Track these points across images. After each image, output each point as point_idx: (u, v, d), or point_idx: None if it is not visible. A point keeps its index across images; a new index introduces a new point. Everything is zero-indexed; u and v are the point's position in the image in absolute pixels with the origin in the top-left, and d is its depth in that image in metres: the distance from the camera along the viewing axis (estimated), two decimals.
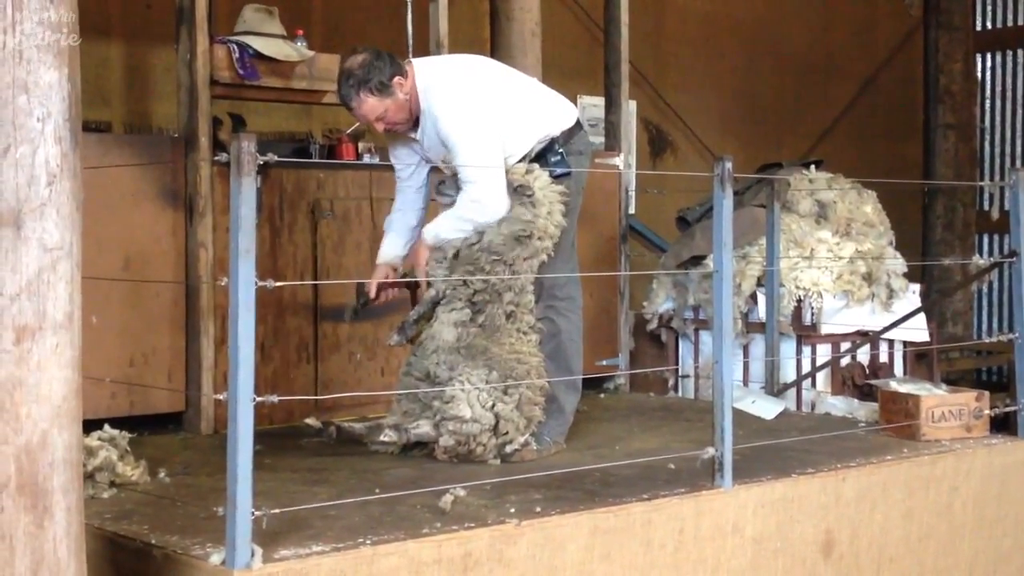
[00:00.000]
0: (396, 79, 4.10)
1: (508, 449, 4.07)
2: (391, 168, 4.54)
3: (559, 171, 4.21)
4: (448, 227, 4.12)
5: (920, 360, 6.57)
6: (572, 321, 4.40)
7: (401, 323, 4.29)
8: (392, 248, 4.42)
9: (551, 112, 4.32)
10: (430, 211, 4.46)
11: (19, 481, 2.38)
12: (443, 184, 4.20)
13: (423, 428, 4.04)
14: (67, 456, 2.45)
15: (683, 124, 8.89)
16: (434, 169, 4.40)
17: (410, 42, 5.39)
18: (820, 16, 9.87)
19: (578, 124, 4.38)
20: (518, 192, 4.10)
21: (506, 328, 4.12)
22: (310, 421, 4.21)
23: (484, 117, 4.10)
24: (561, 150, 4.27)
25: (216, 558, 2.88)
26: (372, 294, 4.36)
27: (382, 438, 4.08)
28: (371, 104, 4.11)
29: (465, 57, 4.46)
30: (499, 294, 4.10)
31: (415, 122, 4.22)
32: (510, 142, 4.17)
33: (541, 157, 4.23)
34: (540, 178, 4.14)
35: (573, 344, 4.40)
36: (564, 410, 4.36)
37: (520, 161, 4.20)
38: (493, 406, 4.02)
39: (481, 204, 4.06)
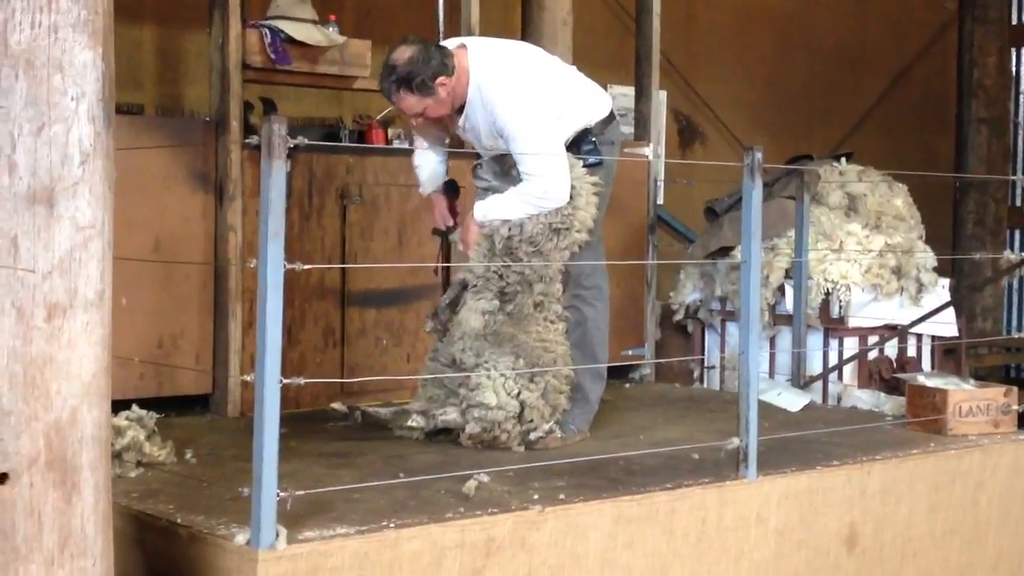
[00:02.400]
0: (439, 79, 4.04)
1: (532, 436, 4.08)
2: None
3: (592, 160, 4.20)
4: (504, 210, 4.08)
5: (948, 355, 6.52)
6: (599, 310, 4.40)
7: (434, 309, 4.31)
8: (433, 179, 4.45)
9: (590, 101, 4.32)
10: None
11: (48, 457, 2.40)
12: (479, 168, 4.20)
13: (450, 415, 4.06)
14: (96, 433, 2.47)
15: (713, 115, 8.86)
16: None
17: (440, 28, 5.40)
18: (853, 7, 9.80)
19: (612, 114, 4.37)
20: None
21: (534, 317, 4.13)
22: (336, 405, 4.23)
23: (545, 110, 4.09)
24: (594, 139, 4.26)
25: (241, 538, 2.89)
26: (451, 222, 4.36)
27: (409, 423, 4.10)
28: (410, 102, 4.07)
29: (515, 44, 4.43)
30: (530, 284, 4.12)
31: (459, 108, 4.17)
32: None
33: (575, 145, 4.22)
34: (575, 168, 4.14)
35: (599, 333, 4.40)
36: (589, 399, 4.36)
37: None
38: (519, 394, 4.03)
39: (546, 198, 4.05)
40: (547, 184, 4.03)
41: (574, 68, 4.52)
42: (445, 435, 4.15)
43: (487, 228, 4.12)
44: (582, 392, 4.32)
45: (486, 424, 4.01)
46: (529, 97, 4.08)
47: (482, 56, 4.15)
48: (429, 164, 4.46)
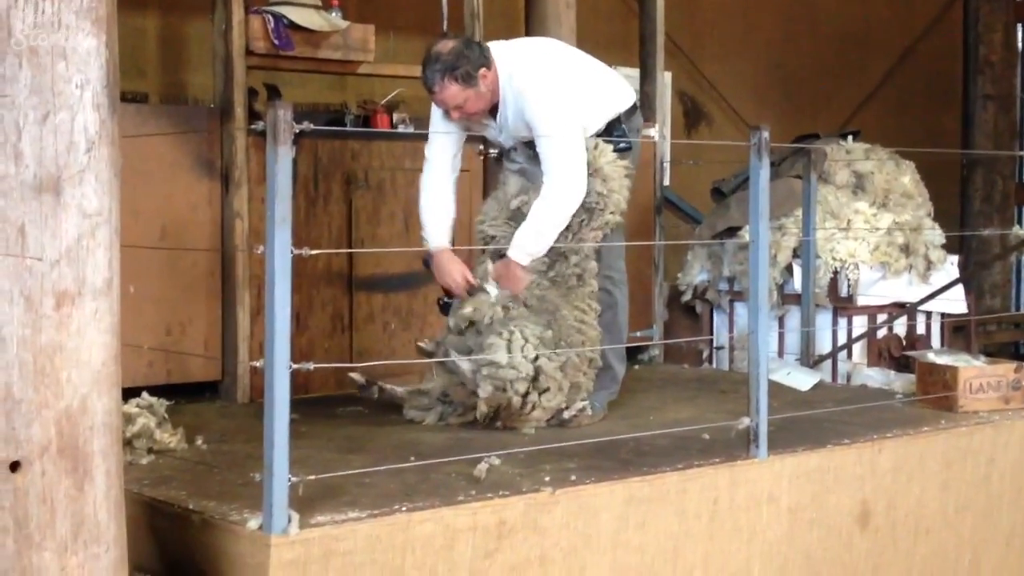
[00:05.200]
0: (482, 71, 4.09)
1: (566, 415, 4.12)
2: (425, 138, 4.54)
3: (623, 144, 4.26)
4: (538, 238, 4.08)
5: (957, 332, 6.52)
6: (624, 293, 4.48)
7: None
8: (444, 231, 4.33)
9: (615, 93, 4.37)
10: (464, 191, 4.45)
11: (60, 445, 2.40)
12: (513, 151, 4.27)
13: (464, 364, 4.05)
14: (107, 420, 2.47)
15: (718, 96, 8.82)
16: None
17: (444, 11, 5.38)
18: None
19: (635, 104, 4.44)
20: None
21: (578, 291, 4.16)
22: (356, 376, 4.24)
23: (571, 103, 4.13)
24: (624, 126, 4.33)
25: (253, 523, 2.90)
26: (473, 281, 4.21)
27: (420, 344, 4.13)
28: (453, 91, 4.09)
29: (540, 41, 4.53)
30: (564, 256, 4.15)
31: (491, 108, 4.22)
32: (588, 123, 4.21)
33: (607, 133, 4.29)
34: (606, 153, 4.19)
35: (625, 315, 4.49)
36: (617, 379, 4.44)
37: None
38: (536, 359, 4.03)
39: (568, 198, 4.06)
40: (567, 183, 4.06)
41: (598, 61, 4.53)
42: (457, 416, 4.16)
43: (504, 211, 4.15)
44: (612, 372, 4.39)
45: (497, 382, 3.99)
46: (556, 88, 4.13)
47: (507, 50, 4.22)
48: (442, 208, 4.33)
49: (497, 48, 4.24)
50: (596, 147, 4.19)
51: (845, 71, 9.59)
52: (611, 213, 4.18)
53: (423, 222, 4.37)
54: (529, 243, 4.10)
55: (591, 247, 4.19)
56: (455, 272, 4.23)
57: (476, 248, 4.35)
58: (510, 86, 4.14)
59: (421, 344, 4.16)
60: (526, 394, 4.03)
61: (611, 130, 4.31)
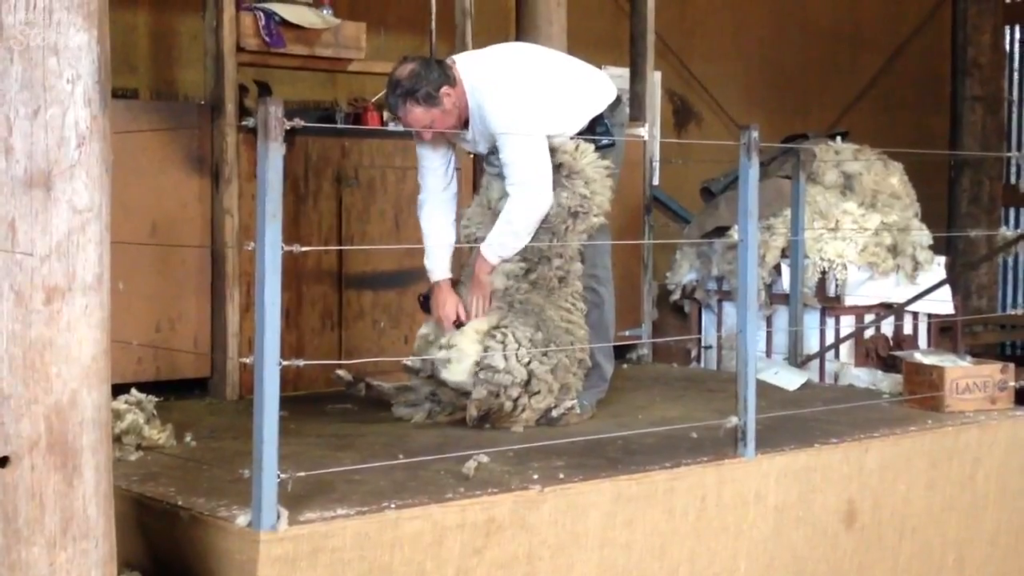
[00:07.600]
0: (443, 89, 4.10)
1: (555, 414, 4.12)
2: (414, 136, 4.54)
3: (605, 141, 4.25)
4: (507, 243, 4.11)
5: (944, 333, 6.54)
6: (610, 291, 4.48)
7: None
8: (444, 262, 4.32)
9: (595, 90, 4.36)
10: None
11: (49, 440, 2.40)
12: (493, 156, 4.23)
13: (452, 375, 4.05)
14: (96, 416, 2.47)
15: (708, 95, 8.84)
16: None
17: (433, 9, 5.38)
18: None
19: (618, 98, 4.43)
20: (560, 170, 4.12)
21: (560, 291, 4.16)
22: (342, 373, 4.24)
23: (531, 112, 4.12)
24: (607, 122, 4.32)
25: (242, 520, 2.90)
26: (463, 318, 4.19)
27: (406, 361, 4.14)
28: (417, 114, 4.11)
29: (508, 48, 4.48)
30: (547, 259, 4.15)
31: (464, 122, 4.22)
32: (560, 126, 4.20)
33: (589, 131, 4.27)
34: (586, 154, 4.17)
35: (612, 313, 4.49)
36: (606, 378, 4.46)
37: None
38: (529, 363, 4.04)
39: (534, 208, 4.07)
40: (531, 193, 4.06)
41: (573, 59, 4.52)
42: (447, 415, 4.16)
43: (487, 212, 4.15)
44: (600, 371, 4.40)
45: (492, 387, 4.00)
46: (513, 96, 4.12)
47: (472, 65, 4.22)
48: (441, 238, 4.31)
49: (463, 62, 4.24)
50: (577, 148, 4.17)
51: (834, 71, 9.62)
52: (595, 216, 4.17)
53: (426, 251, 4.35)
54: (499, 244, 4.12)
55: (575, 250, 4.19)
56: (449, 305, 4.23)
57: (464, 246, 4.35)
58: (474, 99, 4.15)
59: (407, 362, 4.15)
60: (517, 398, 4.04)
61: (594, 126, 4.29)
